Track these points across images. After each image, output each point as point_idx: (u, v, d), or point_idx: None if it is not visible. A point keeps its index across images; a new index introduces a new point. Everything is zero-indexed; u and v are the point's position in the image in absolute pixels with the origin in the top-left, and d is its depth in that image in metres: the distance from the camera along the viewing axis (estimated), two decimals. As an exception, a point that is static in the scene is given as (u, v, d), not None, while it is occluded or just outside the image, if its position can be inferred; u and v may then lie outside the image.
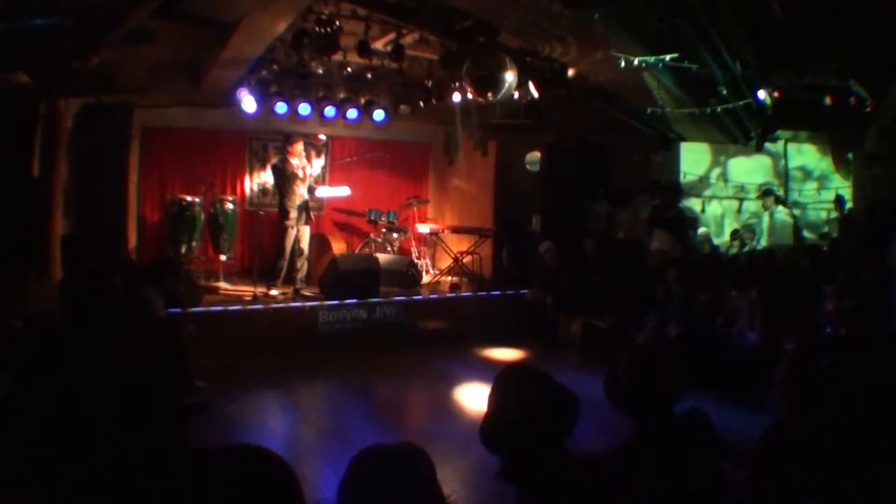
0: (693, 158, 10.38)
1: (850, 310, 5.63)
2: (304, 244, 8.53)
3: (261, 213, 9.13)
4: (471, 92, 7.68)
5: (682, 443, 2.30)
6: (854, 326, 5.53)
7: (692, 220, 9.41)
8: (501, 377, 2.06)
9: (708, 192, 10.50)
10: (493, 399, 2.03)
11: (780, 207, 8.92)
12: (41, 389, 3.06)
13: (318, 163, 10.48)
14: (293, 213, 8.24)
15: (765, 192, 9.09)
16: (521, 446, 1.93)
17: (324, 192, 9.15)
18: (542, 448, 1.93)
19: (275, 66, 8.14)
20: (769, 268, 7.05)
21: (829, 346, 5.49)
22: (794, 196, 10.10)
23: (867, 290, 5.88)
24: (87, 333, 4.30)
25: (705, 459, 2.37)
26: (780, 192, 9.62)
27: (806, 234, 9.44)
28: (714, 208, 10.52)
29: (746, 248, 9.17)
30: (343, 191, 9.37)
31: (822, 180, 10.16)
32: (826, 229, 9.54)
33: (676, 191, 9.27)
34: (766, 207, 8.93)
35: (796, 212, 9.37)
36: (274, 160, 9.11)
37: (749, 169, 10.29)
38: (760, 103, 7.50)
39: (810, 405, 2.92)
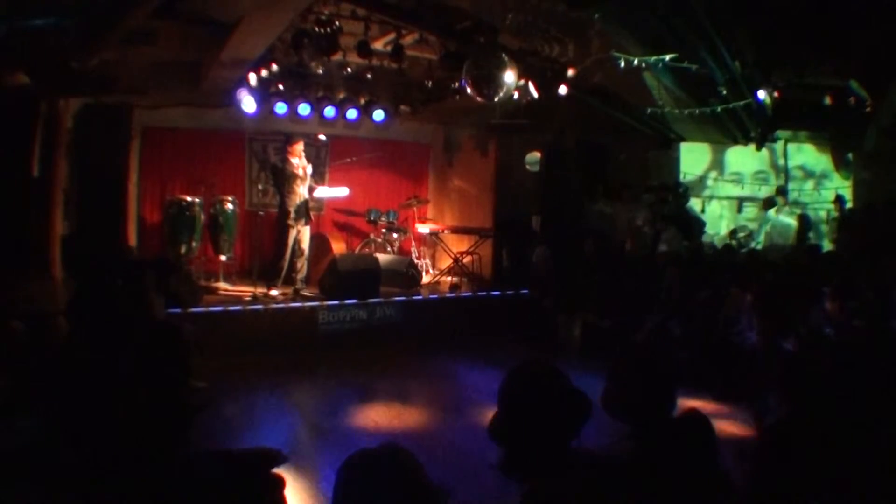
0: (693, 158, 10.38)
1: (850, 310, 5.63)
2: (305, 244, 8.53)
3: (261, 213, 9.12)
4: (471, 92, 7.68)
5: (681, 444, 2.30)
6: (853, 327, 5.52)
7: (697, 220, 9.42)
8: (514, 374, 2.06)
9: (707, 192, 10.50)
10: (506, 394, 2.02)
11: (786, 208, 8.94)
12: (42, 390, 3.06)
13: (317, 163, 10.48)
14: (293, 213, 8.24)
15: (777, 191, 9.10)
16: (528, 442, 1.93)
17: (323, 192, 9.16)
18: (550, 445, 1.93)
19: (275, 66, 8.13)
20: (761, 268, 7.07)
21: (829, 347, 5.48)
22: (794, 196, 10.12)
23: (866, 290, 5.88)
24: (89, 334, 4.30)
25: (705, 461, 2.37)
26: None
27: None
28: (714, 208, 10.53)
29: (744, 250, 9.18)
30: (342, 191, 9.37)
31: (822, 180, 10.17)
32: (826, 229, 9.55)
33: (681, 191, 9.27)
34: (776, 206, 8.92)
35: (798, 210, 9.38)
36: (274, 160, 9.11)
37: (745, 158, 10.30)
38: (760, 103, 7.50)
39: (806, 405, 2.92)
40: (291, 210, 8.22)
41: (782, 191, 9.14)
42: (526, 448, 1.93)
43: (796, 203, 9.87)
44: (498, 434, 1.98)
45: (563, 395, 2.00)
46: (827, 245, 8.69)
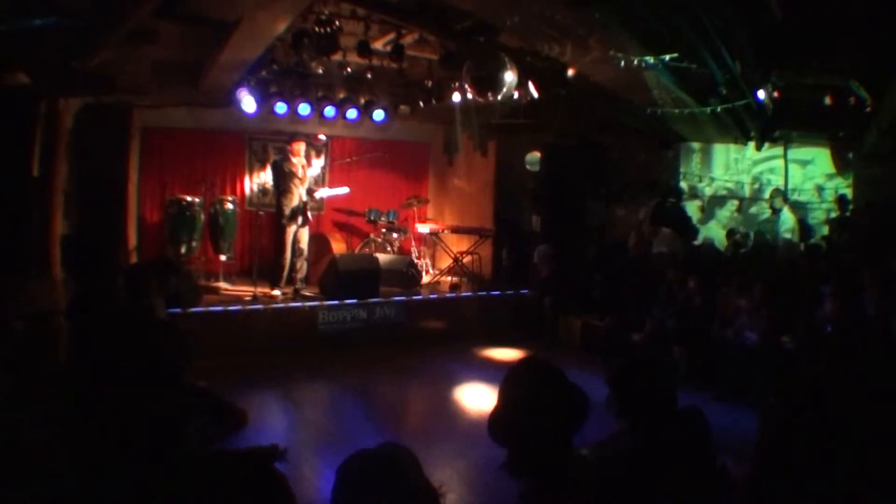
0: (693, 158, 10.38)
1: (850, 310, 5.63)
2: (304, 244, 8.53)
3: (261, 213, 9.13)
4: (471, 92, 7.68)
5: (678, 440, 2.30)
6: (853, 327, 5.52)
7: (690, 221, 9.42)
8: (515, 370, 2.03)
9: (707, 192, 10.50)
10: (505, 392, 1.99)
11: (785, 208, 8.92)
12: (42, 390, 3.07)
13: (318, 163, 10.49)
14: (289, 213, 8.25)
15: (774, 192, 9.10)
16: (530, 442, 1.90)
17: (323, 192, 9.17)
18: (551, 444, 1.90)
19: (275, 66, 8.13)
20: (760, 268, 7.07)
21: (829, 347, 5.48)
22: (794, 196, 10.11)
23: (867, 290, 5.87)
24: (89, 334, 4.30)
25: (702, 456, 2.38)
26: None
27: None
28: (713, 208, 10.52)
29: (743, 251, 9.17)
30: (342, 190, 9.38)
31: (822, 180, 10.17)
32: (826, 229, 9.54)
33: (676, 191, 9.27)
34: (774, 207, 8.92)
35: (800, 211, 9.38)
36: (275, 158, 9.12)
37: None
38: (760, 103, 7.49)
39: (806, 405, 2.92)
40: (287, 209, 8.24)
41: (779, 191, 9.13)
42: (525, 446, 1.90)
43: (795, 203, 9.85)
44: (497, 432, 1.95)
45: (562, 392, 1.97)
46: (826, 245, 8.68)
